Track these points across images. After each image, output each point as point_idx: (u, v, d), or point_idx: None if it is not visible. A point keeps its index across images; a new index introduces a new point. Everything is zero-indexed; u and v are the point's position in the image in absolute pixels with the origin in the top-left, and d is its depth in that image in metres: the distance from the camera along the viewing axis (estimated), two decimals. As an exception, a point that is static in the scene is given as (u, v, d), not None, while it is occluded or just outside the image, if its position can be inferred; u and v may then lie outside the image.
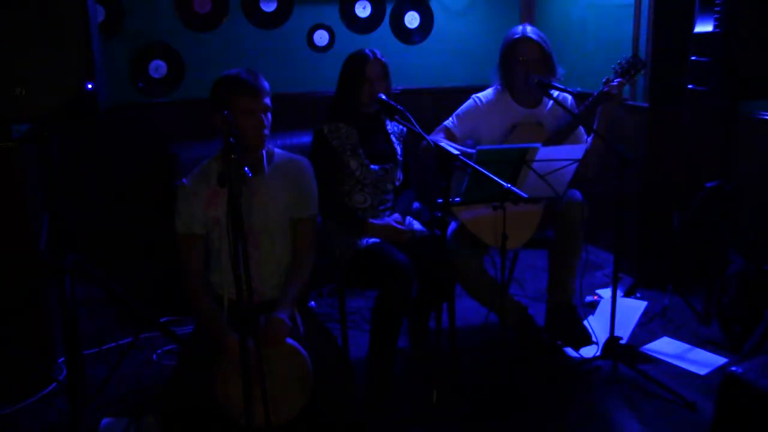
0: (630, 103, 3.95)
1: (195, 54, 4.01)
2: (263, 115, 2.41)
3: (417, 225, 3.09)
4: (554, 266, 3.16)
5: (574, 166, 2.71)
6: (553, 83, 3.05)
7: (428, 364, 3.03)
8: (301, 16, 4.21)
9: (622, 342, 3.22)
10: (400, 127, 3.07)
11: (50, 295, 3.05)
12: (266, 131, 2.43)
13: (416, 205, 3.35)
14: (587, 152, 3.04)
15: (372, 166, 2.94)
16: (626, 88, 3.14)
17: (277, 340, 2.30)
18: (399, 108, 2.79)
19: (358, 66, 2.89)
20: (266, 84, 2.43)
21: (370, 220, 2.91)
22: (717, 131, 3.57)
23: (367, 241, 2.85)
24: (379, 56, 2.92)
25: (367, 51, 2.92)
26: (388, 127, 3.07)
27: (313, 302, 3.85)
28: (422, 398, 2.80)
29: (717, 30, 3.14)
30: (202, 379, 2.26)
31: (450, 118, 3.21)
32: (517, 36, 3.10)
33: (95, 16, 2.71)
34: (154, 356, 3.30)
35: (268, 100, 2.43)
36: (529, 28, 3.12)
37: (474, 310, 3.46)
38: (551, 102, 3.13)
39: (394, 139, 3.06)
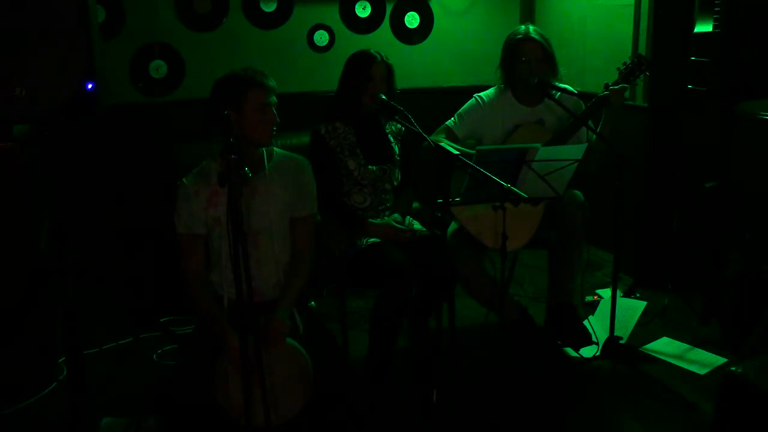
0: (630, 103, 3.94)
1: (195, 54, 4.01)
2: (275, 111, 2.42)
3: (417, 225, 3.09)
4: (554, 266, 3.16)
5: (575, 166, 2.71)
6: (554, 83, 3.06)
7: (428, 364, 3.03)
8: (301, 16, 4.21)
9: (622, 342, 3.22)
10: (398, 126, 3.07)
11: (50, 295, 3.04)
12: (275, 128, 2.44)
13: (416, 204, 3.35)
14: (589, 152, 3.04)
15: (370, 166, 2.94)
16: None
17: (277, 340, 2.30)
18: (399, 108, 2.79)
19: (364, 66, 2.89)
20: (273, 81, 2.44)
21: (370, 220, 2.91)
22: (717, 131, 3.57)
23: (367, 241, 2.85)
24: (385, 58, 2.92)
25: (373, 52, 2.92)
26: (386, 126, 3.07)
27: (313, 302, 3.85)
28: (422, 398, 2.80)
29: (717, 30, 3.14)
30: (202, 379, 2.26)
31: (452, 118, 3.21)
32: (519, 35, 3.11)
33: (95, 16, 2.71)
34: (154, 356, 3.30)
35: (275, 97, 2.44)
36: (531, 28, 3.13)
37: (474, 310, 3.46)
38: (554, 102, 3.13)
39: (392, 138, 3.06)
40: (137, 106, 3.95)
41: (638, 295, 3.83)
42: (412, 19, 4.47)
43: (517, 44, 3.10)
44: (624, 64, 3.03)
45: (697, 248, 3.72)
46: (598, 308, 3.68)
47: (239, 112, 2.36)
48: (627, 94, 3.08)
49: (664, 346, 3.28)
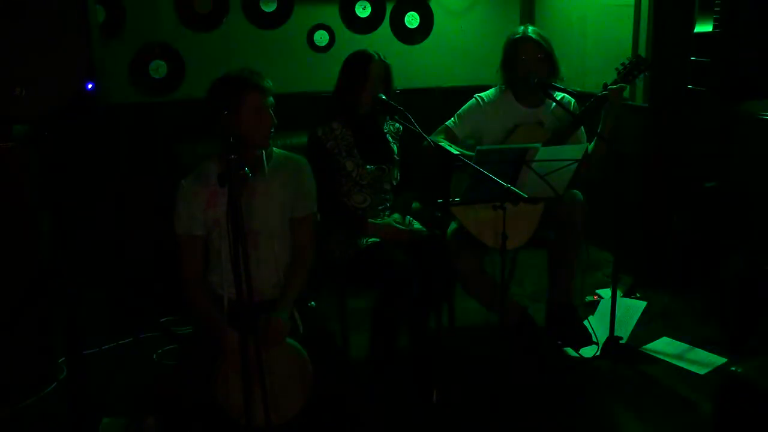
0: (630, 103, 3.95)
1: (195, 54, 4.01)
2: (271, 113, 2.42)
3: (417, 225, 3.09)
4: (554, 266, 3.16)
5: (574, 166, 2.72)
6: (554, 84, 3.06)
7: (428, 364, 3.03)
8: (301, 16, 4.21)
9: (622, 342, 3.22)
10: (396, 125, 3.07)
11: (50, 295, 3.04)
12: (272, 129, 2.44)
13: (416, 205, 3.34)
14: (589, 154, 3.05)
15: (368, 167, 2.93)
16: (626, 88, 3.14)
17: (277, 340, 2.30)
18: (399, 108, 2.79)
19: (361, 66, 2.88)
20: (269, 82, 2.44)
21: (370, 220, 2.91)
22: (717, 131, 3.57)
23: (367, 241, 2.85)
24: (382, 58, 2.92)
25: (371, 52, 2.92)
26: (384, 126, 3.06)
27: (313, 302, 3.84)
28: (422, 398, 2.80)
29: (717, 30, 3.14)
30: (202, 379, 2.26)
31: (451, 118, 3.21)
32: (518, 35, 3.11)
33: (95, 16, 2.71)
34: (154, 356, 3.29)
35: (272, 98, 2.43)
36: (531, 28, 3.14)
37: (474, 310, 3.46)
38: (553, 103, 3.13)
39: (390, 138, 3.05)
40: (137, 106, 3.95)
41: (638, 295, 3.83)
42: (412, 19, 4.47)
43: (516, 44, 3.11)
44: (622, 64, 3.04)
45: (697, 248, 3.72)
46: (598, 308, 3.68)
47: (236, 114, 2.35)
48: (627, 93, 3.09)
49: (664, 346, 3.28)
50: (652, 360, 3.16)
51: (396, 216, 2.98)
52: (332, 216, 2.92)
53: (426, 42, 4.52)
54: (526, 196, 2.38)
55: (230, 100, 2.35)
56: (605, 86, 3.01)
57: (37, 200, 3.01)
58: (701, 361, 3.13)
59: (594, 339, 3.10)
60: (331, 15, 4.27)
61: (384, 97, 2.84)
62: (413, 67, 4.48)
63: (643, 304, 3.71)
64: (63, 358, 3.11)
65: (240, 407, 2.12)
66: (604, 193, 3.25)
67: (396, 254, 2.75)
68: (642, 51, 3.83)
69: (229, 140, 2.02)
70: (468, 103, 3.24)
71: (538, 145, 2.61)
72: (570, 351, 3.20)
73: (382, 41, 4.35)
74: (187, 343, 2.80)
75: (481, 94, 3.25)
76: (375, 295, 2.76)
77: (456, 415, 2.75)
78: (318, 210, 2.64)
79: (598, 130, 3.04)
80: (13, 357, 2.96)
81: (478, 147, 2.63)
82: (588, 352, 3.14)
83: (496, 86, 3.25)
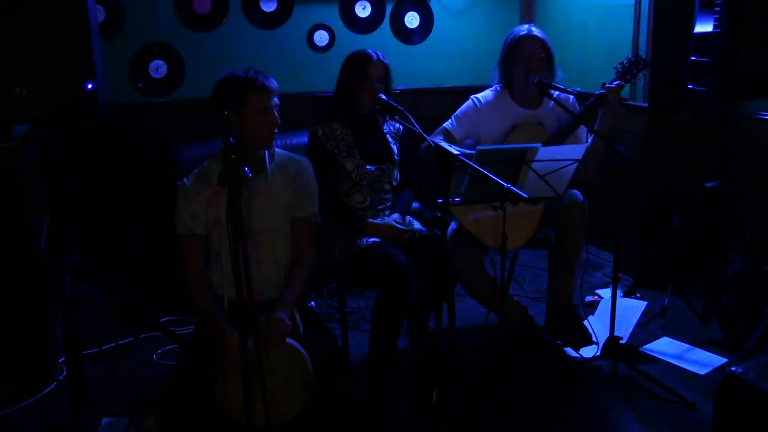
0: (630, 103, 3.95)
1: (195, 54, 4.01)
2: (276, 113, 2.41)
3: (417, 225, 3.09)
4: (554, 266, 3.16)
5: (574, 166, 2.72)
6: (553, 84, 3.06)
7: (428, 364, 3.03)
8: (301, 16, 4.21)
9: (622, 342, 3.22)
10: (396, 126, 3.07)
11: (50, 295, 3.05)
12: (276, 130, 2.44)
13: (416, 204, 3.34)
14: (588, 153, 3.05)
15: (368, 167, 2.94)
16: (626, 88, 3.14)
17: (277, 340, 2.30)
18: (399, 108, 2.79)
19: (361, 66, 2.89)
20: (275, 83, 2.43)
21: (370, 220, 2.91)
22: (717, 131, 3.57)
23: (366, 241, 2.85)
24: (381, 57, 2.92)
25: (370, 51, 2.92)
26: (384, 126, 3.07)
27: (313, 302, 3.85)
28: (422, 398, 2.80)
29: (717, 30, 3.14)
30: (202, 379, 2.26)
31: (449, 120, 3.21)
32: (522, 33, 3.11)
33: (95, 16, 2.72)
34: (154, 356, 3.30)
35: (277, 99, 2.43)
36: (534, 28, 3.14)
37: (474, 310, 3.46)
38: (552, 104, 3.13)
39: (390, 138, 3.06)
40: (137, 106, 3.95)
41: (638, 295, 3.83)
42: (412, 19, 4.47)
43: (519, 41, 3.10)
44: (621, 63, 3.05)
45: (697, 248, 3.72)
46: (598, 308, 3.68)
47: (241, 114, 2.35)
48: (627, 93, 3.09)
49: (664, 346, 3.28)
50: (652, 360, 3.16)
51: (396, 216, 2.98)
52: (332, 216, 2.93)
53: (426, 42, 4.52)
54: (526, 196, 2.38)
55: (235, 100, 2.35)
56: (603, 85, 3.02)
57: (37, 200, 3.01)
58: (701, 361, 3.13)
59: (594, 339, 3.10)
60: (331, 15, 4.27)
61: (384, 97, 2.84)
62: (413, 67, 4.48)
63: (643, 304, 3.71)
64: (63, 358, 3.11)
65: (240, 407, 2.12)
66: (604, 193, 3.26)
67: (396, 254, 2.75)
68: (642, 51, 3.83)
69: (230, 140, 2.01)
70: (465, 104, 3.24)
71: (538, 144, 2.61)
72: (570, 351, 3.20)
73: (382, 41, 4.35)
74: (187, 343, 2.80)
75: (477, 95, 3.24)
76: (375, 295, 2.76)
77: (455, 416, 2.75)
78: (318, 210, 2.64)
79: (596, 128, 3.04)
80: (13, 357, 2.96)
81: (478, 147, 2.63)
82: (588, 352, 3.14)
83: (492, 87, 3.25)
